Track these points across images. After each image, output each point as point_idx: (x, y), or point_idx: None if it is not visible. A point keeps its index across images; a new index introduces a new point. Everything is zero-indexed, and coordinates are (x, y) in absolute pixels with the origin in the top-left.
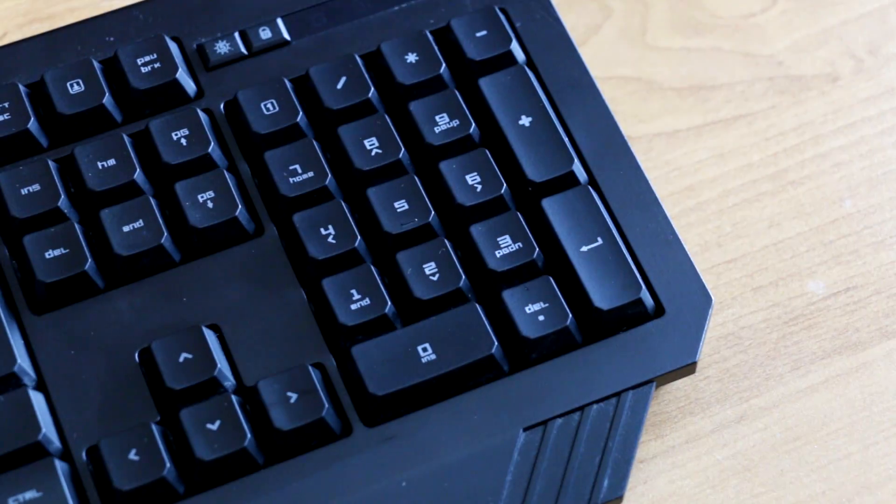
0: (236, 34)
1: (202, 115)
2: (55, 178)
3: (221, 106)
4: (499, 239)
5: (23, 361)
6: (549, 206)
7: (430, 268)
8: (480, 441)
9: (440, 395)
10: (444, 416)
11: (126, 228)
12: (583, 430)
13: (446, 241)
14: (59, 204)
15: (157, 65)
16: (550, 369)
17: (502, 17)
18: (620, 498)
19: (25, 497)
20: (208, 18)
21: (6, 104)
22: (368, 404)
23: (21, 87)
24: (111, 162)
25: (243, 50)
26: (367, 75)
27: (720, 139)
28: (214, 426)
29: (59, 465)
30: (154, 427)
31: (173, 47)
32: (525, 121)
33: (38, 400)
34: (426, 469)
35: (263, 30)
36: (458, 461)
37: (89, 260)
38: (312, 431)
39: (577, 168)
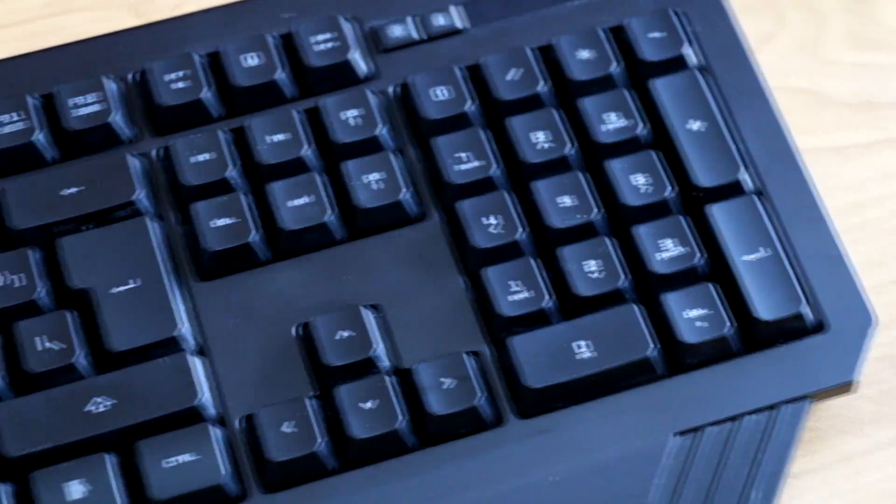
0: (411, 19)
1: (373, 96)
2: (226, 148)
3: (393, 89)
4: (662, 242)
5: (186, 326)
6: (715, 212)
7: (591, 265)
8: (631, 442)
9: (594, 393)
10: (596, 414)
11: (292, 203)
12: (735, 439)
13: (608, 239)
14: (228, 174)
15: (331, 44)
16: (706, 376)
17: (677, 19)
18: None
19: (180, 460)
20: (385, 1)
21: (182, 73)
22: (522, 396)
23: (196, 57)
24: (281, 136)
25: (417, 35)
26: (539, 69)
27: (889, 158)
28: (368, 405)
29: (214, 431)
30: (309, 401)
31: (348, 28)
32: (695, 125)
33: (198, 365)
34: (575, 465)
35: (439, 16)
36: (608, 460)
37: (254, 231)
38: (465, 419)
39: (745, 176)
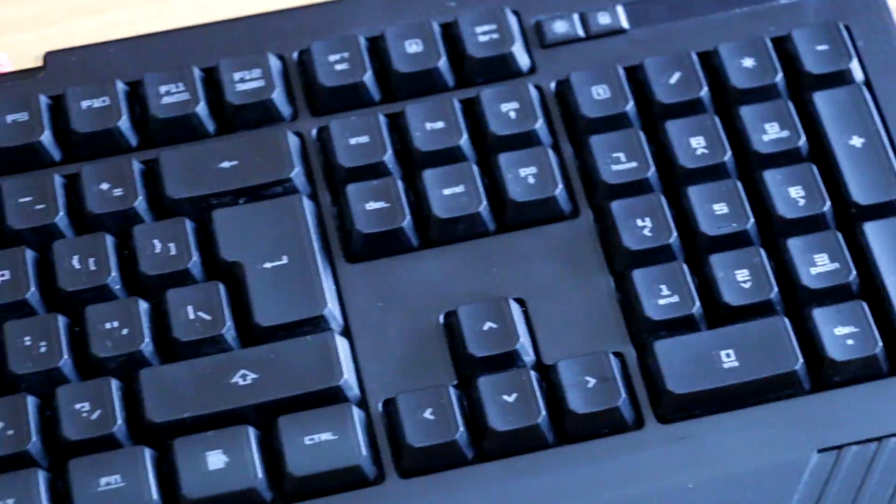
0: (575, 15)
1: (533, 90)
2: (383, 132)
3: (552, 84)
4: (815, 256)
5: (332, 306)
6: (871, 230)
7: (742, 274)
8: (772, 455)
9: (736, 403)
10: (737, 425)
11: (446, 192)
12: (878, 461)
13: (761, 249)
14: (384, 158)
15: (494, 35)
16: (852, 394)
17: (845, 33)
18: None
19: (319, 438)
20: None
21: (345, 54)
22: (665, 401)
23: (361, 40)
24: (439, 124)
25: (580, 32)
26: (701, 74)
27: None
28: (510, 398)
29: (356, 412)
30: (451, 390)
31: (512, 20)
32: (856, 141)
33: (342, 346)
34: (714, 474)
35: (603, 14)
36: (748, 472)
37: (407, 217)
38: (605, 419)
39: None
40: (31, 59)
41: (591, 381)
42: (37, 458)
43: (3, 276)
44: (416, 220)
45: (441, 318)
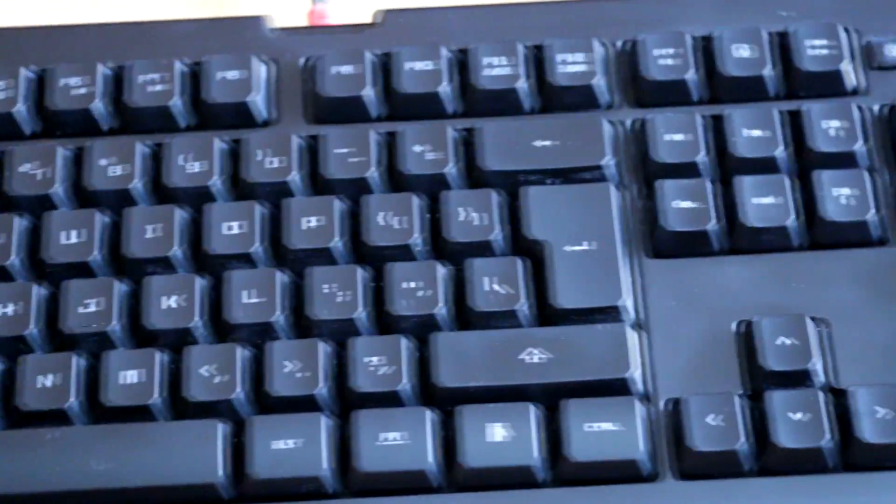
0: None
1: (857, 111)
2: (701, 133)
3: (879, 108)
4: None
5: (628, 298)
6: None
7: None
8: None
9: None
10: None
11: (757, 201)
12: None
13: None
14: (699, 159)
15: (826, 51)
16: None
17: None
18: None
19: (601, 427)
20: (890, 19)
21: (672, 50)
22: None
23: (688, 38)
24: (759, 132)
25: None
26: None
27: None
28: (798, 416)
29: (639, 407)
30: (738, 399)
31: (845, 38)
32: None
33: (634, 339)
34: None
35: None
36: None
37: (715, 220)
38: (893, 453)
39: None
40: (355, 14)
41: (884, 413)
42: (322, 404)
43: (315, 221)
44: (724, 225)
45: (735, 326)
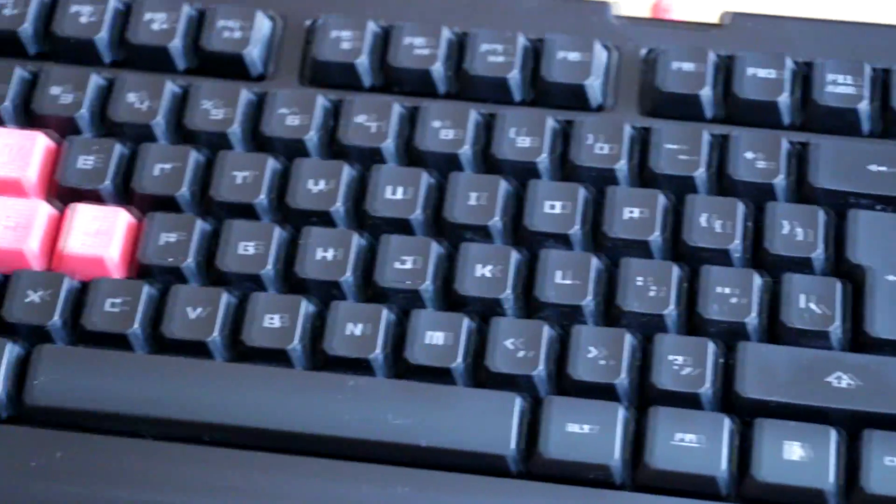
0: None
1: None
2: None
3: None
4: None
5: None
6: None
7: None
8: None
9: None
10: None
11: None
12: None
13: None
14: None
15: None
16: None
17: None
18: None
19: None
20: None
21: None
22: None
23: None
24: None
25: None
26: None
27: None
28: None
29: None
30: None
31: None
32: None
33: None
34: None
35: None
36: None
37: None
38: None
39: None
40: (697, 12)
41: None
42: (620, 394)
43: (637, 212)
44: None
45: None
